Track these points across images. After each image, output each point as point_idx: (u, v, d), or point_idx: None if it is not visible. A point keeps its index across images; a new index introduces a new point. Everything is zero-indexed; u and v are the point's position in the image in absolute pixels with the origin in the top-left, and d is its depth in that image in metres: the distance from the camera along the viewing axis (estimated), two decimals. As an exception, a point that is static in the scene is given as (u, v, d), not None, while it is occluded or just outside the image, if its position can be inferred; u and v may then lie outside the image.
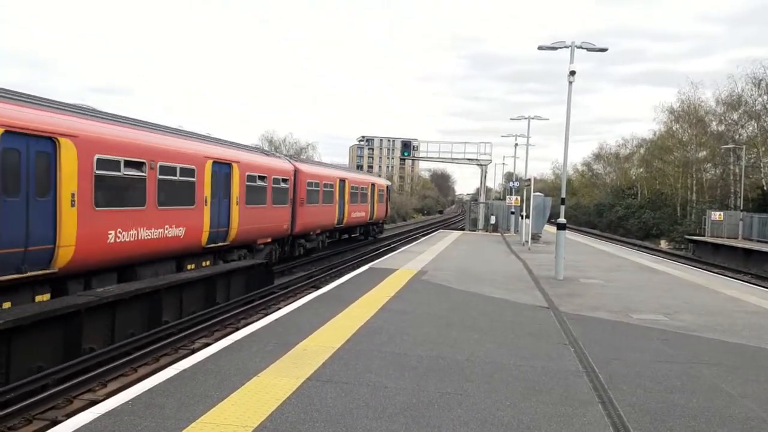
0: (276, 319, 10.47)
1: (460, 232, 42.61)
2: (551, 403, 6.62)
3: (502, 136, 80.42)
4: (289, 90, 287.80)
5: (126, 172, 13.76)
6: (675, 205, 63.69)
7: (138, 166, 14.20)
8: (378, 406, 6.28)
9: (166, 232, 15.37)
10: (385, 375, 7.39)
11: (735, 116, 55.70)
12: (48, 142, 11.50)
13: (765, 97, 51.74)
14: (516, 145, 54.22)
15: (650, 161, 71.87)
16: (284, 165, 24.84)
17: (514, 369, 7.92)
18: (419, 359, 8.17)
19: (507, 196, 47.49)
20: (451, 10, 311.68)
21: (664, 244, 55.59)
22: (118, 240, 13.42)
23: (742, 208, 47.15)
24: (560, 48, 19.40)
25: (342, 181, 32.68)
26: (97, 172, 12.72)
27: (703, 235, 46.98)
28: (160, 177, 15.00)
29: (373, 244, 38.85)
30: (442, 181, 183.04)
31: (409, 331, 9.84)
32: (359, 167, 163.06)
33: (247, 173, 20.04)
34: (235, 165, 19.18)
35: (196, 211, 16.83)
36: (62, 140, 11.73)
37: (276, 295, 18.41)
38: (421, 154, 48.08)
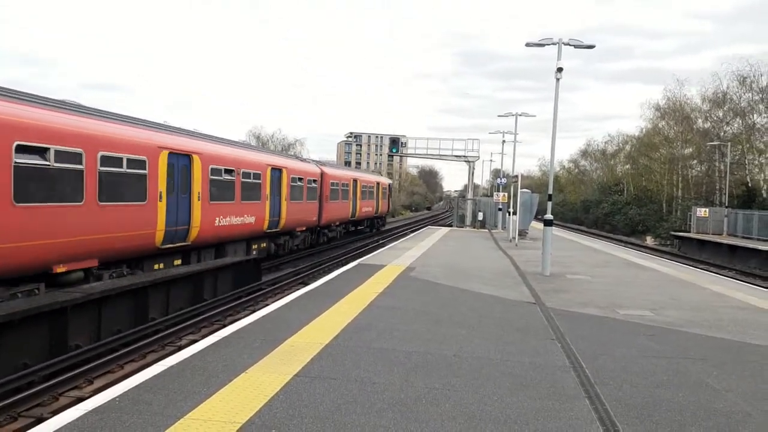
0: (264, 316, 10.44)
1: (447, 229, 42.69)
2: (538, 398, 6.65)
3: (490, 133, 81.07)
4: (283, 87, 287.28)
5: (226, 177, 19.46)
6: (661, 201, 64.13)
7: (231, 172, 19.97)
8: (366, 402, 6.28)
9: (244, 219, 21.17)
10: (374, 371, 7.40)
11: (720, 113, 56.14)
12: (187, 158, 17.15)
13: (750, 94, 52.19)
14: (503, 141, 54.54)
15: (636, 158, 72.29)
16: (314, 168, 30.49)
17: (502, 364, 7.95)
18: (407, 355, 8.18)
19: (494, 193, 47.62)
20: (444, 8, 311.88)
21: (650, 241, 55.99)
22: (220, 224, 19.13)
23: (727, 204, 47.56)
24: (547, 45, 19.45)
25: (355, 181, 38.32)
26: (211, 177, 18.37)
27: (689, 232, 47.36)
28: (243, 180, 20.91)
29: (361, 240, 38.86)
30: (430, 177, 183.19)
31: (398, 327, 9.85)
32: (347, 164, 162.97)
33: (291, 176, 25.86)
34: (284, 170, 25.01)
35: (261, 205, 22.70)
36: (194, 156, 17.43)
37: (264, 291, 18.36)
38: (409, 151, 48.06)
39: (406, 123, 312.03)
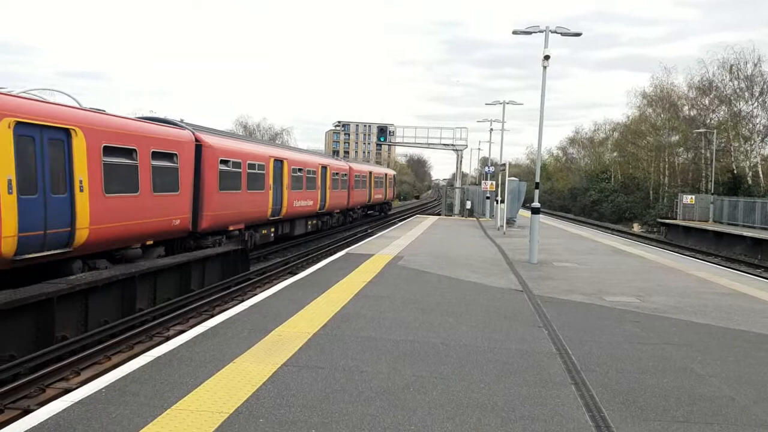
0: (252, 306, 10.43)
1: (436, 218, 42.75)
2: (525, 385, 6.70)
3: (478, 122, 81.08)
4: (268, 76, 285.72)
5: (298, 174, 27.76)
6: (648, 189, 64.46)
7: (300, 170, 27.99)
8: (354, 390, 6.30)
9: (307, 203, 29.46)
10: (361, 359, 7.42)
11: (706, 101, 56.38)
12: (281, 163, 25.65)
13: (736, 82, 52.44)
14: (491, 130, 54.65)
15: (624, 145, 72.55)
16: (345, 165, 39.69)
17: (489, 352, 7.99)
18: (395, 343, 8.20)
19: (482, 181, 47.70)
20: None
21: (637, 228, 56.33)
22: (294, 206, 27.30)
23: (713, 191, 47.91)
24: (534, 32, 19.47)
25: (370, 173, 47.71)
26: (292, 174, 26.79)
27: (675, 219, 47.72)
28: (307, 176, 29.14)
29: (351, 229, 38.87)
30: (418, 166, 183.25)
31: (386, 315, 9.87)
32: (335, 153, 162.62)
33: (332, 171, 34.72)
34: (328, 167, 33.80)
35: (316, 193, 31.13)
36: (285, 161, 26.13)
37: (252, 281, 18.33)
38: (397, 140, 47.98)
39: (393, 112, 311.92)
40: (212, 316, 12.41)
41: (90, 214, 13.04)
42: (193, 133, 18.72)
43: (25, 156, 11.41)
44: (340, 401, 5.98)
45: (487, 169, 49.69)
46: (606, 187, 71.65)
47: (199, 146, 18.59)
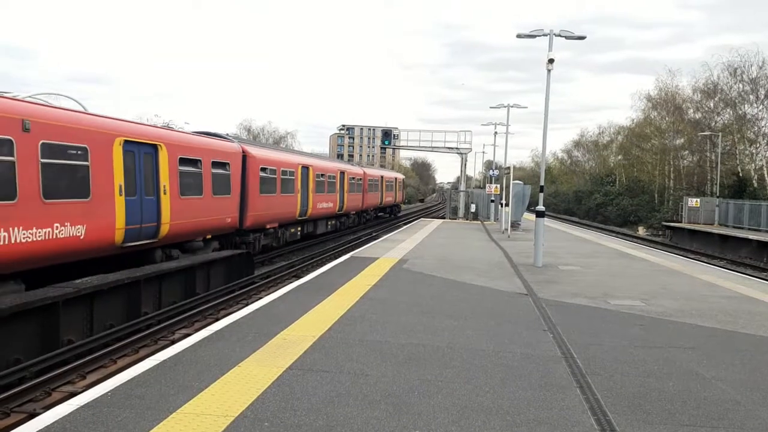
0: (256, 309, 10.45)
1: (440, 221, 42.75)
2: (530, 388, 6.70)
3: (482, 125, 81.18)
4: (272, 79, 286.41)
5: (321, 179, 30.86)
6: (653, 192, 64.36)
7: (323, 176, 31.37)
8: (359, 394, 6.31)
9: (329, 205, 32.86)
10: (366, 363, 7.42)
11: (711, 104, 56.28)
12: (306, 169, 28.80)
13: (741, 85, 52.35)
14: (495, 133, 54.73)
15: (629, 149, 72.46)
16: (359, 170, 43.17)
17: (494, 355, 7.99)
18: (400, 347, 8.20)
19: (487, 185, 47.70)
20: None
21: (642, 231, 56.19)
22: (317, 207, 30.35)
23: (718, 194, 47.81)
24: (539, 36, 19.47)
25: (381, 177, 51.22)
26: (317, 179, 30.02)
27: (680, 222, 47.60)
28: (328, 181, 32.63)
29: (354, 233, 38.90)
30: (422, 169, 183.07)
31: (390, 319, 9.88)
32: (339, 156, 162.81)
33: (349, 177, 38.02)
34: (345, 173, 37.12)
35: (336, 196, 34.32)
36: (309, 167, 29.26)
37: (257, 284, 18.35)
38: (402, 143, 48.06)
39: (397, 115, 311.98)
40: (217, 319, 12.42)
41: (170, 212, 16.03)
42: (240, 146, 21.87)
43: (129, 166, 14.33)
44: (344, 405, 5.99)
45: (491, 172, 49.70)
46: (611, 191, 71.55)
47: (244, 156, 21.64)
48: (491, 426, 5.60)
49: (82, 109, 14.02)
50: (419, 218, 50.89)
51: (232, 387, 6.38)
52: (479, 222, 41.23)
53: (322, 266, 17.53)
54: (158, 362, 7.18)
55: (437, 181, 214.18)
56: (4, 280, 10.79)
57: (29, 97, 12.70)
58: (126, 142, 14.10)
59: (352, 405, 5.99)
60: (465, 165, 47.27)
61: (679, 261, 22.03)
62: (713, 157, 51.61)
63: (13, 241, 10.51)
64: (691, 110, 60.06)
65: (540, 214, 18.70)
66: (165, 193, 15.71)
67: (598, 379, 7.10)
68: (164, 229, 15.70)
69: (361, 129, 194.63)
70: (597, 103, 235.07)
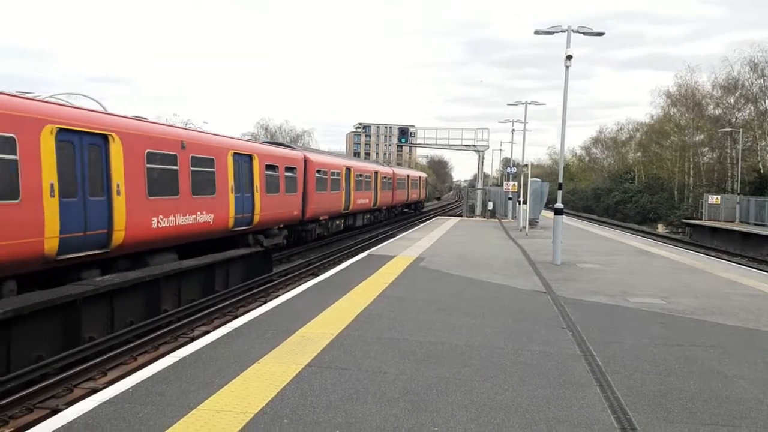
0: (275, 307, 10.50)
1: (457, 219, 42.66)
2: (549, 386, 6.67)
3: (500, 122, 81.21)
4: (289, 78, 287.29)
5: (359, 178, 35.57)
6: (672, 189, 63.77)
7: (361, 176, 35.87)
8: (377, 392, 6.32)
9: (364, 201, 37.99)
10: (384, 361, 7.43)
11: (732, 100, 55.65)
12: (348, 170, 33.32)
13: (762, 80, 51.67)
14: (513, 130, 54.33)
15: (648, 145, 71.86)
16: (389, 170, 49.08)
17: (512, 353, 7.96)
18: (418, 345, 8.20)
19: (504, 182, 47.46)
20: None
21: (661, 229, 55.73)
22: (357, 203, 35.59)
23: (739, 191, 47.25)
24: (556, 32, 19.37)
25: (408, 176, 57.52)
26: (356, 179, 34.95)
27: (701, 219, 47.13)
28: (365, 180, 37.92)
29: (371, 231, 38.96)
30: (439, 167, 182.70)
31: (408, 317, 9.88)
32: (356, 154, 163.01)
33: (381, 176, 43.36)
34: (378, 173, 42.18)
35: (371, 193, 39.30)
36: (350, 168, 34.15)
37: (275, 282, 18.44)
38: (419, 141, 47.96)
39: (414, 113, 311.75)
40: (236, 317, 12.50)
41: (260, 206, 20.96)
42: (303, 153, 27.44)
43: (239, 171, 19.65)
44: (363, 402, 6.00)
45: (509, 169, 49.47)
46: (630, 188, 70.98)
47: (305, 161, 26.81)
48: (510, 424, 5.59)
49: (103, 110, 14.29)
50: (436, 216, 50.80)
51: (252, 384, 6.42)
52: (497, 220, 41.08)
53: (339, 264, 17.56)
54: (178, 359, 7.24)
55: (454, 179, 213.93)
56: None
57: (50, 96, 12.86)
58: (236, 154, 19.43)
59: (370, 402, 6.01)
60: (482, 162, 47.18)
61: (699, 258, 21.81)
62: (734, 154, 51.03)
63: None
64: (711, 106, 59.46)
65: (558, 212, 18.59)
66: (257, 192, 20.72)
67: (617, 378, 7.05)
68: (256, 219, 20.63)
69: (378, 127, 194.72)
70: (616, 100, 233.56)
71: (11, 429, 7.67)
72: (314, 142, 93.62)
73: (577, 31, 19.02)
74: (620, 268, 17.29)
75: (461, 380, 6.78)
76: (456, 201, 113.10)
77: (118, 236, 13.11)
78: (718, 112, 57.82)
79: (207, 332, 10.70)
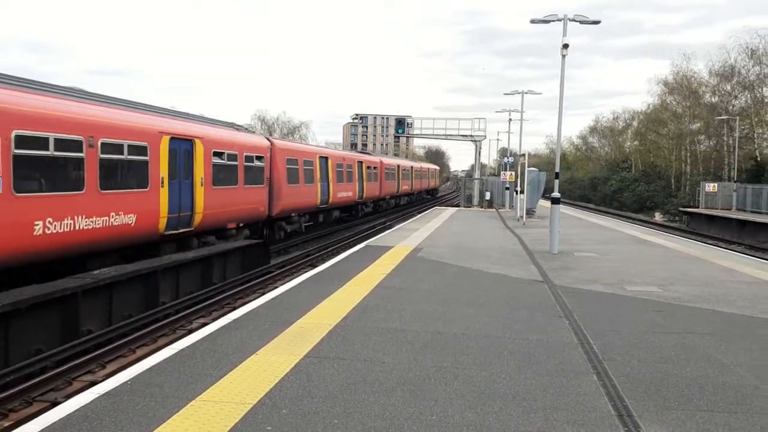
0: (273, 298, 10.52)
1: (455, 209, 42.68)
2: (546, 375, 6.70)
3: (496, 112, 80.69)
4: (286, 69, 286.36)
5: (388, 171, 47.29)
6: (669, 177, 63.78)
7: (391, 168, 49.28)
8: (375, 381, 6.34)
9: (392, 190, 49.54)
10: (382, 350, 7.45)
11: (728, 87, 55.57)
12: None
13: (759, 67, 51.62)
14: (510, 120, 54.22)
15: (644, 134, 71.82)
16: (408, 163, 60.77)
17: (510, 342, 7.99)
18: (416, 334, 8.23)
19: (501, 172, 47.50)
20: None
21: (658, 217, 55.81)
22: (403, 188, 54.40)
23: (735, 179, 47.27)
24: (553, 21, 19.31)
25: (421, 167, 69.71)
26: (386, 171, 46.25)
27: (697, 207, 47.18)
28: (390, 172, 48.64)
29: (377, 219, 39.04)
30: (437, 158, 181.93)
31: (406, 307, 9.90)
32: (353, 145, 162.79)
33: (402, 168, 53.24)
34: (399, 166, 51.90)
35: (393, 183, 49.69)
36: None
37: (273, 274, 18.45)
38: (416, 131, 47.84)
39: (412, 103, 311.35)
40: (234, 308, 12.50)
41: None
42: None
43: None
44: (361, 392, 6.03)
45: (506, 159, 49.46)
46: (627, 176, 71.01)
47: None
48: (508, 412, 5.62)
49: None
50: (433, 207, 50.82)
51: (250, 375, 6.44)
52: (494, 210, 41.10)
53: (337, 255, 17.58)
54: (176, 351, 7.25)
55: (451, 169, 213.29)
56: None
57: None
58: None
59: (369, 392, 6.03)
60: (479, 152, 47.15)
61: (696, 247, 21.87)
62: (730, 142, 50.97)
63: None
64: (708, 94, 59.37)
65: (555, 201, 18.62)
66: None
67: (614, 365, 7.08)
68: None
69: (375, 118, 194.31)
70: (615, 89, 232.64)
71: (10, 422, 7.68)
72: (312, 133, 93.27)
73: (573, 20, 18.97)
74: (617, 257, 17.33)
75: (459, 369, 6.81)
76: (453, 191, 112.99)
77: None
78: (714, 99, 57.72)
79: (205, 324, 10.71)
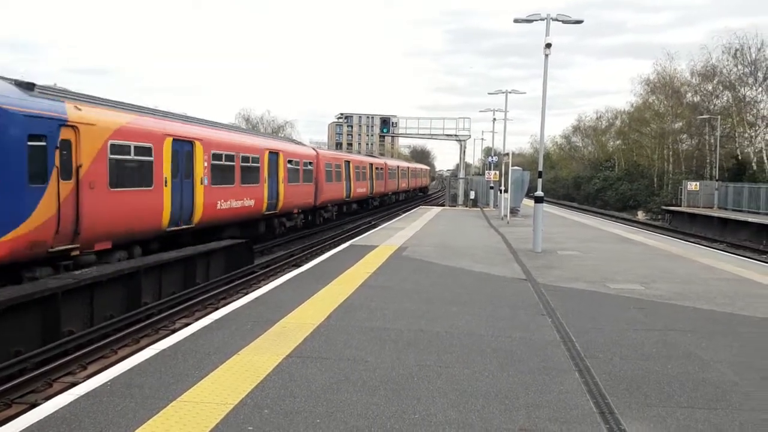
0: (256, 298, 10.47)
1: (440, 208, 42.74)
2: (529, 373, 6.72)
3: (480, 111, 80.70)
4: (270, 68, 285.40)
5: (391, 171, 57.01)
6: (652, 176, 64.29)
7: (393, 169, 59.07)
8: (358, 380, 6.32)
9: (393, 187, 58.63)
10: (366, 349, 7.44)
11: (710, 87, 56.07)
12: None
13: (740, 67, 52.14)
14: (494, 120, 54.37)
15: (627, 133, 72.34)
16: (406, 164, 71.20)
17: (493, 340, 8.01)
18: (399, 333, 8.22)
19: (486, 171, 47.58)
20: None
21: (641, 215, 56.23)
22: (400, 186, 63.97)
23: (717, 177, 47.74)
24: (536, 20, 19.40)
25: (416, 168, 79.31)
26: (389, 171, 55.81)
27: (680, 206, 47.61)
28: (392, 172, 57.09)
29: (354, 222, 38.94)
30: (422, 157, 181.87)
31: (390, 306, 9.89)
32: (338, 145, 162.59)
33: (401, 169, 62.54)
34: (399, 167, 61.78)
35: (396, 180, 59.83)
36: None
37: (257, 274, 18.37)
38: (401, 131, 47.87)
39: (397, 103, 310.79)
40: (217, 308, 12.43)
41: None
42: (399, 163, 53.71)
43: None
44: (344, 391, 6.01)
45: (490, 158, 49.60)
46: (610, 175, 71.50)
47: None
48: (490, 410, 5.62)
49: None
50: (418, 206, 50.86)
51: (232, 375, 6.40)
52: (479, 209, 41.21)
53: (321, 255, 17.53)
54: (158, 351, 7.19)
55: (436, 169, 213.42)
56: None
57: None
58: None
59: (351, 391, 6.01)
60: (464, 152, 47.21)
61: (678, 245, 22.05)
62: (712, 141, 51.45)
63: None
64: (690, 93, 59.87)
65: (539, 200, 18.69)
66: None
67: (596, 363, 7.11)
68: (281, 204, 24.80)
69: (360, 117, 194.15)
70: (598, 89, 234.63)
71: (-11, 424, 7.59)
72: (297, 133, 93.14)
73: (556, 19, 19.07)
74: (600, 255, 17.43)
75: (442, 367, 6.81)
76: (438, 191, 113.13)
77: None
78: (696, 99, 58.23)
79: (188, 324, 10.61)
